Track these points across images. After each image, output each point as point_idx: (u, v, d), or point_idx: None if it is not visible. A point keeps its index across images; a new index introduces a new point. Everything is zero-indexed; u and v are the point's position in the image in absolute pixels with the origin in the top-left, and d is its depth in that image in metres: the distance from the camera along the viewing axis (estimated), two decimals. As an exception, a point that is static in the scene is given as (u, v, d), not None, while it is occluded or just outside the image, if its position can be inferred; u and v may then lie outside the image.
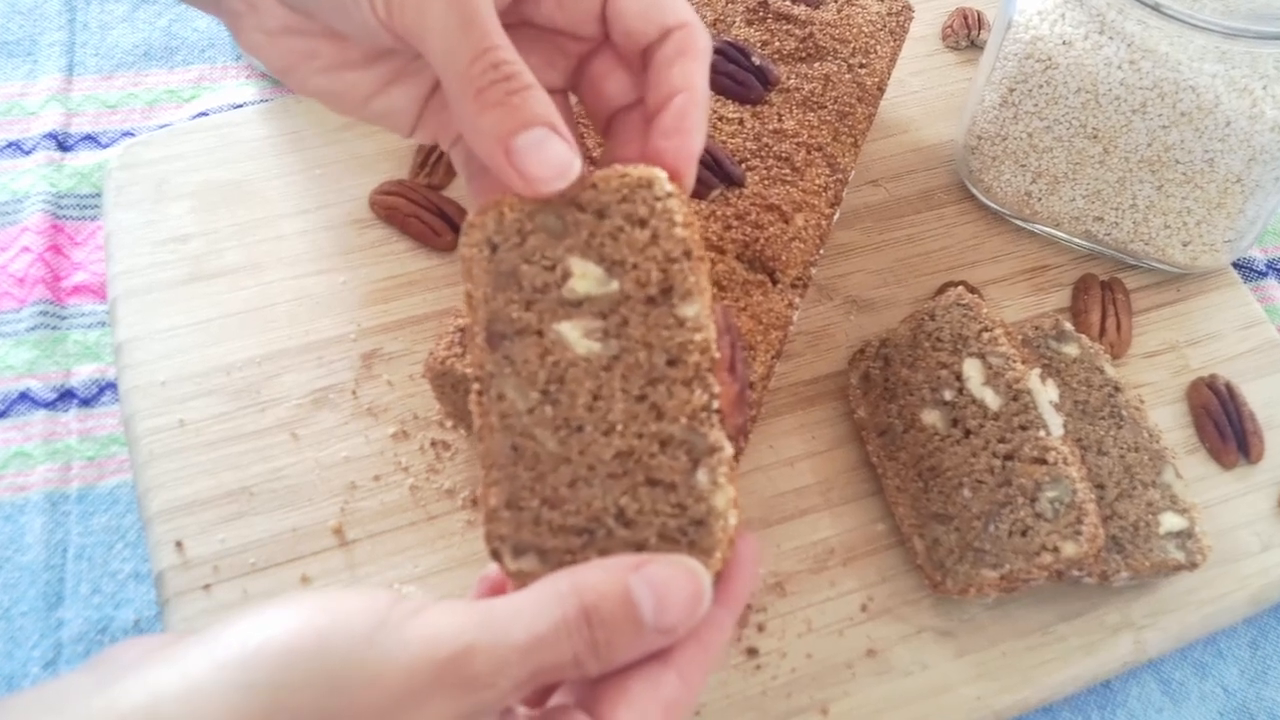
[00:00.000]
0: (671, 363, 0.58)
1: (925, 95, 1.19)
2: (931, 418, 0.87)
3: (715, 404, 0.57)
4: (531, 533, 0.57)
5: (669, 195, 0.59)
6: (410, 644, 0.48)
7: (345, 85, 0.67)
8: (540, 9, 0.65)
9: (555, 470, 0.58)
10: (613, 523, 0.57)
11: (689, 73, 0.62)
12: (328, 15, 0.62)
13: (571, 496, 0.58)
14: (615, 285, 0.59)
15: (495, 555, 0.58)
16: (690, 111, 0.62)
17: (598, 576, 0.52)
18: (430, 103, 0.69)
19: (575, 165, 0.58)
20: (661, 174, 0.60)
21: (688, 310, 0.58)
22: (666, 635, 0.53)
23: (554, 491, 0.58)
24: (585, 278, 0.60)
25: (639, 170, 0.60)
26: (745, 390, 0.59)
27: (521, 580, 0.57)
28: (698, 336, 0.58)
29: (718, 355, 0.58)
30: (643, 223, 0.59)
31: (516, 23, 0.64)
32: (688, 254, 0.59)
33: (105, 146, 1.15)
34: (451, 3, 0.57)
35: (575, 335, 0.59)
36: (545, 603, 0.51)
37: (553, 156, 0.58)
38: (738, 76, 0.94)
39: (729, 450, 0.57)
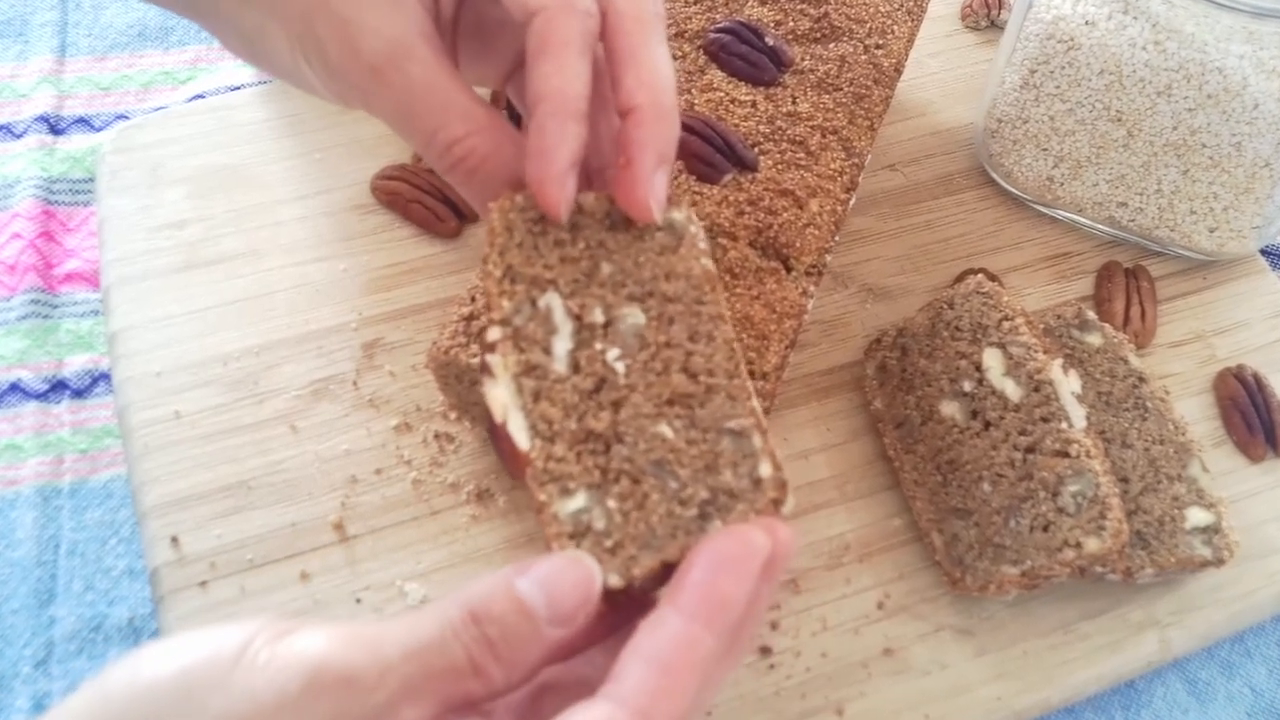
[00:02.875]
0: None
1: (944, 77, 1.19)
2: (950, 409, 0.87)
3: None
4: None
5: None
6: (277, 658, 0.47)
7: None
8: None
9: None
10: None
11: (542, 74, 0.58)
12: (292, 85, 0.65)
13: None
14: None
15: None
16: (546, 128, 0.58)
17: (482, 584, 0.52)
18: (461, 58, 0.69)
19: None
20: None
21: None
22: (566, 624, 0.52)
23: None
24: None
25: None
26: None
27: None
28: None
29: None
30: None
31: None
32: None
33: (98, 130, 1.15)
34: (389, 91, 0.59)
35: None
36: (427, 613, 0.51)
37: None
38: (750, 58, 0.94)
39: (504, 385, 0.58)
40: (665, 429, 0.59)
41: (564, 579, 0.52)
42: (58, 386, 0.97)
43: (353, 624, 0.50)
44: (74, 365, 0.99)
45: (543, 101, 0.58)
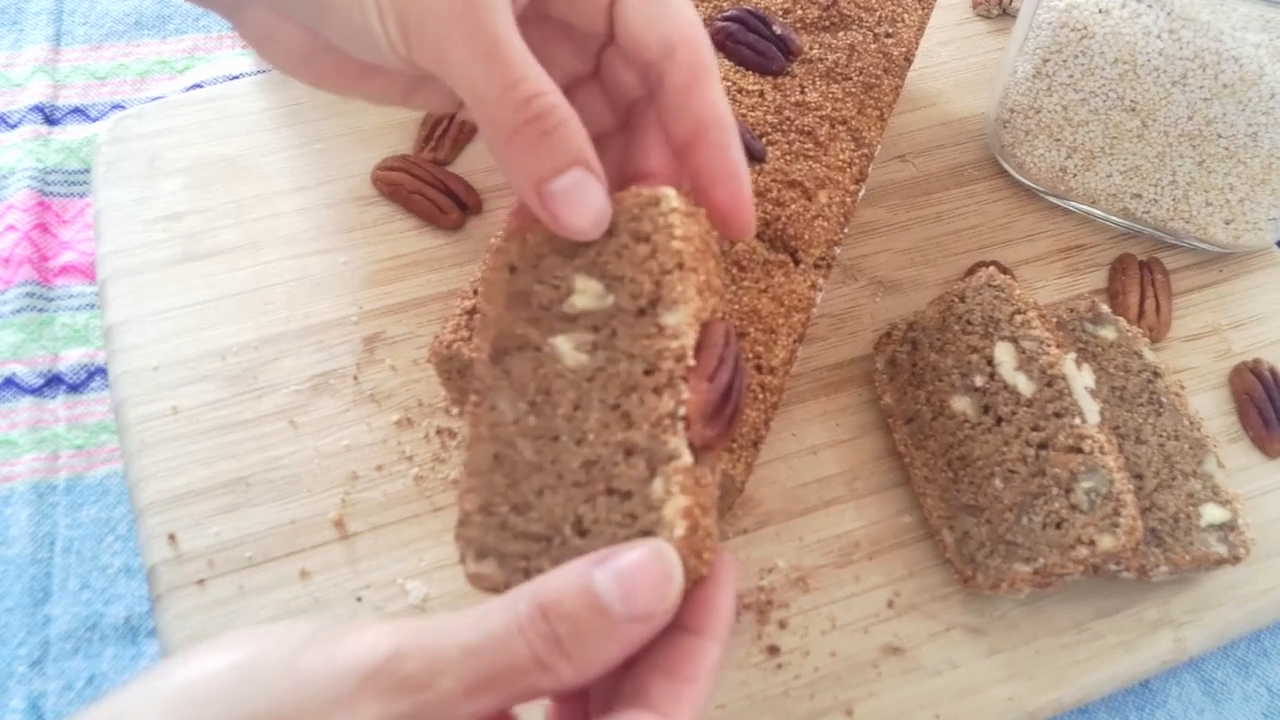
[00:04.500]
0: (648, 371, 0.59)
1: (955, 66, 1.19)
2: (961, 404, 0.87)
3: (681, 410, 0.57)
4: (496, 538, 0.59)
5: (672, 210, 0.60)
6: (337, 654, 0.48)
7: (376, 90, 0.67)
8: (555, 3, 0.65)
9: (528, 478, 0.59)
10: (569, 531, 0.58)
11: (709, 101, 0.62)
12: (348, 47, 0.63)
13: (538, 504, 0.59)
14: (610, 299, 0.61)
15: (461, 559, 0.60)
16: (729, 151, 0.62)
17: (556, 577, 0.52)
18: None
19: (607, 213, 0.60)
20: (670, 192, 0.61)
21: (670, 319, 0.59)
22: (644, 623, 0.52)
23: (523, 498, 0.59)
24: (585, 293, 0.62)
25: (650, 190, 0.61)
26: (728, 402, 0.60)
27: (479, 584, 0.59)
28: (674, 344, 0.59)
29: (693, 363, 0.59)
30: (645, 239, 0.61)
31: (533, 17, 0.65)
32: (680, 265, 0.60)
33: (94, 120, 1.15)
34: (472, 37, 0.58)
35: (567, 348, 0.61)
36: (494, 607, 0.51)
37: (586, 203, 0.59)
38: (758, 46, 0.93)
39: (687, 459, 0.57)
40: None
41: (643, 572, 0.52)
42: (53, 381, 0.97)
43: (422, 619, 0.50)
44: (69, 359, 0.99)
45: (712, 126, 0.62)
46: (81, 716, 0.48)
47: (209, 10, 0.68)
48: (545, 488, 0.59)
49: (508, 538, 0.59)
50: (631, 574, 0.52)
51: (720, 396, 0.59)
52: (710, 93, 0.62)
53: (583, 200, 0.59)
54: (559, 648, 0.50)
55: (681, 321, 0.59)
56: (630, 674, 0.55)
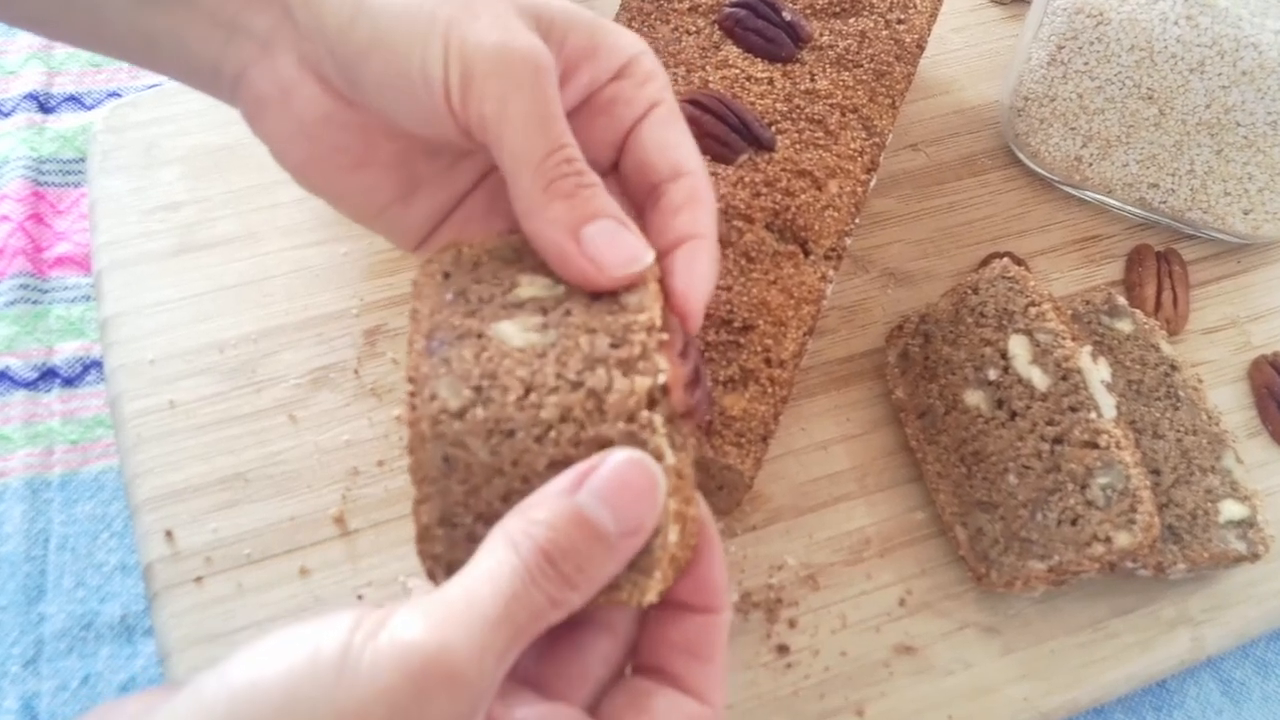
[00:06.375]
0: (615, 344, 0.57)
1: (968, 53, 1.19)
2: (975, 398, 0.86)
3: (662, 378, 0.56)
4: (465, 551, 0.55)
5: None
6: (380, 657, 0.47)
7: (364, 188, 0.69)
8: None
9: (489, 482, 0.56)
10: None
11: (698, 219, 0.65)
12: (389, 101, 0.64)
13: (506, 510, 0.55)
14: (561, 288, 0.61)
15: (431, 576, 0.58)
16: (702, 254, 0.64)
17: (543, 512, 0.52)
18: (450, 217, 0.71)
19: (647, 255, 0.61)
20: None
21: (631, 298, 0.59)
22: (636, 535, 0.53)
23: (488, 506, 0.56)
24: (532, 285, 0.61)
25: None
26: (699, 381, 0.60)
27: None
28: (642, 316, 0.58)
29: (665, 337, 0.58)
30: None
31: None
32: None
33: (90, 108, 1.15)
34: (535, 101, 0.60)
35: (514, 330, 0.59)
36: (501, 561, 0.51)
37: (623, 243, 0.60)
38: (767, 33, 0.93)
39: (671, 458, 0.55)
40: None
41: (626, 486, 0.53)
42: (47, 375, 0.97)
43: (437, 594, 0.50)
44: (64, 353, 0.98)
45: (698, 237, 0.64)
46: None
47: (212, 96, 0.70)
48: (512, 492, 0.56)
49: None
50: (613, 488, 0.53)
51: (693, 372, 0.59)
52: (699, 212, 0.65)
53: (620, 242, 0.60)
54: (568, 584, 0.51)
55: (645, 299, 0.59)
56: (650, 649, 0.58)
